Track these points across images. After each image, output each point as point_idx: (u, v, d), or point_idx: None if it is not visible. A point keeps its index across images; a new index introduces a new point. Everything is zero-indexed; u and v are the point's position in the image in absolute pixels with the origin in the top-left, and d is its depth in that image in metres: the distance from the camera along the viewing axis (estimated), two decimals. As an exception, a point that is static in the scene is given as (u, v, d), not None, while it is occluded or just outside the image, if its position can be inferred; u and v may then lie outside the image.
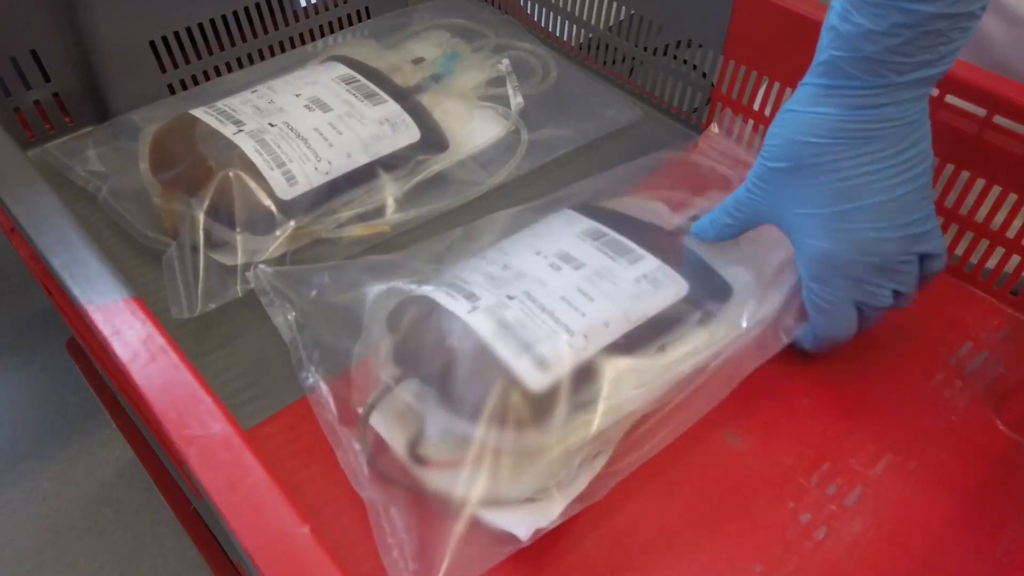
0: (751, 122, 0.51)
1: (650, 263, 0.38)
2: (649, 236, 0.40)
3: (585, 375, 0.33)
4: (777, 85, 0.48)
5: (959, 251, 0.44)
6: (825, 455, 0.37)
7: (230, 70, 0.55)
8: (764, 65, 0.49)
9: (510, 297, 0.35)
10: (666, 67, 0.55)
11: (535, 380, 0.32)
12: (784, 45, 0.47)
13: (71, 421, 0.78)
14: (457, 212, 0.49)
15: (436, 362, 0.33)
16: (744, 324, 0.37)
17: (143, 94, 0.51)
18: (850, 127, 0.34)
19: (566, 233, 0.39)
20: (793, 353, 0.41)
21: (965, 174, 0.42)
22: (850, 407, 0.39)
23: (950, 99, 0.41)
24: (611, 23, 0.58)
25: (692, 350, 0.36)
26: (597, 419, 0.33)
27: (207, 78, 0.54)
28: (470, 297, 0.35)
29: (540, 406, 0.32)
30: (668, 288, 0.37)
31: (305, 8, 0.57)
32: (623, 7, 0.56)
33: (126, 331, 0.28)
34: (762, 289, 0.39)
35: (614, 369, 0.34)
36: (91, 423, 0.79)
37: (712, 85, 0.52)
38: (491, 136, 0.53)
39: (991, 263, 0.43)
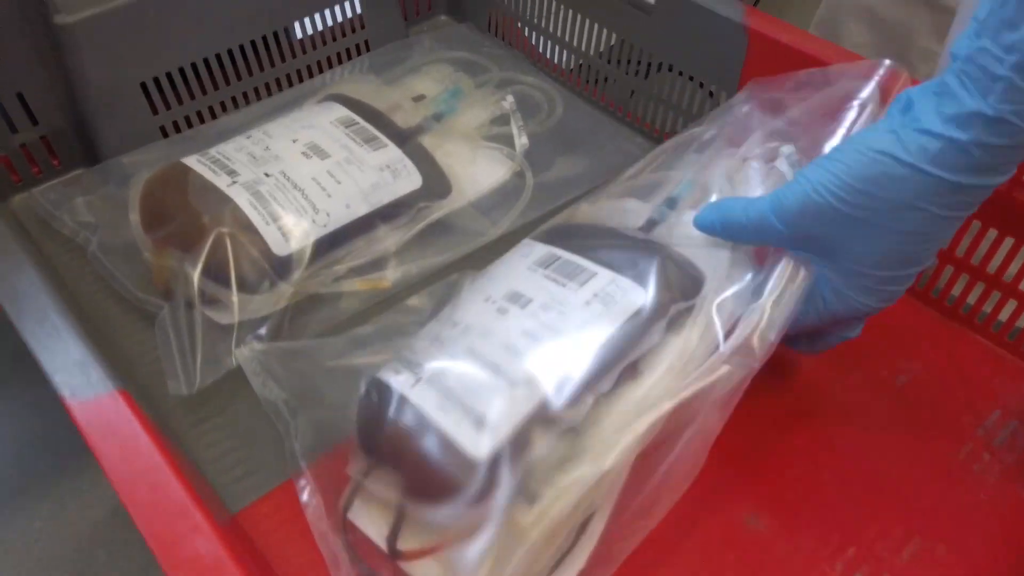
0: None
1: (601, 279, 0.34)
2: (608, 245, 0.36)
3: (539, 429, 0.30)
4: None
5: (987, 308, 0.42)
6: (849, 539, 0.35)
7: (225, 109, 0.53)
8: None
9: (453, 358, 0.32)
10: (676, 106, 0.53)
11: (475, 445, 0.29)
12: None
13: (63, 457, 0.76)
14: (460, 263, 0.47)
15: (393, 446, 0.31)
16: (717, 323, 0.33)
17: (134, 136, 0.49)
18: (967, 195, 0.30)
19: (519, 267, 0.36)
20: (813, 425, 0.39)
21: (993, 232, 0.40)
22: (874, 484, 0.37)
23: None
24: (617, 59, 0.56)
25: (667, 367, 0.33)
26: (572, 478, 0.30)
27: (201, 119, 0.52)
28: (415, 368, 0.32)
29: (492, 474, 0.29)
30: (621, 302, 0.33)
31: (302, 41, 0.55)
32: (631, 46, 0.54)
33: (110, 437, 0.26)
34: (740, 268, 0.35)
35: (576, 415, 0.31)
36: (83, 459, 0.77)
37: (725, 128, 0.50)
38: (495, 179, 0.52)
39: (1021, 322, 0.41)
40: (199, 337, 0.40)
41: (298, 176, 0.44)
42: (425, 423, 0.30)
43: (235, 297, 0.41)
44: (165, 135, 0.51)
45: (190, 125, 0.51)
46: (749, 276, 0.35)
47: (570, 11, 0.57)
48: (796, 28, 0.45)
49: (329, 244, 0.44)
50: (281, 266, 0.42)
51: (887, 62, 0.37)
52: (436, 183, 0.49)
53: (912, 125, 0.30)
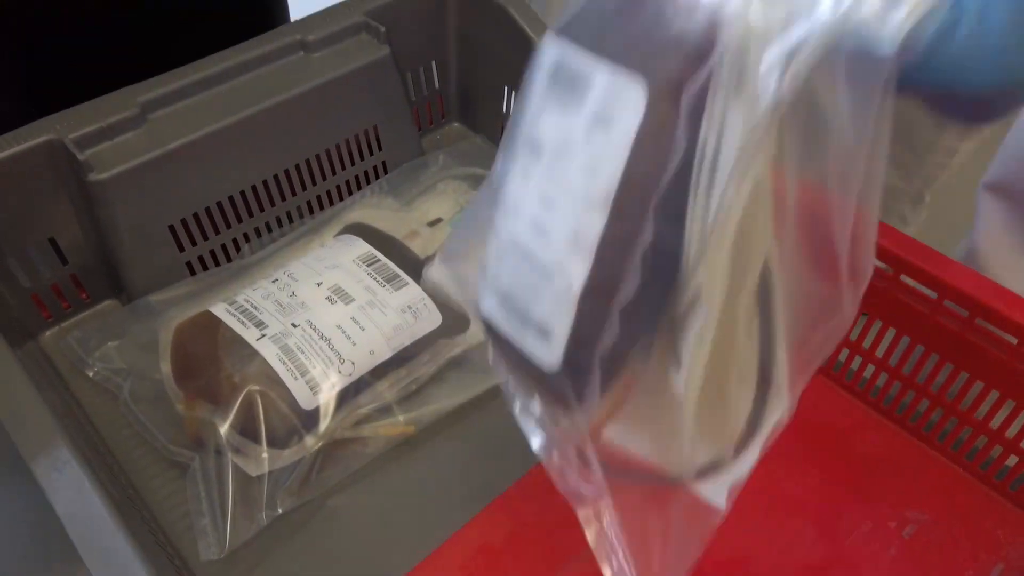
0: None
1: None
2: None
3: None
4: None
5: (994, 454, 0.44)
6: None
7: (248, 240, 0.54)
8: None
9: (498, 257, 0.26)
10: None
11: (548, 352, 0.24)
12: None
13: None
14: (477, 400, 0.48)
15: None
16: None
17: (162, 272, 0.51)
18: None
19: None
20: (825, 582, 0.41)
21: (995, 393, 0.42)
22: (884, 648, 0.38)
23: (981, 322, 0.41)
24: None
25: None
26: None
27: (226, 251, 0.53)
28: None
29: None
30: None
31: (322, 169, 0.56)
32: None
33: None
34: None
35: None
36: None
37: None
38: (511, 307, 0.53)
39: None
40: (230, 494, 0.41)
41: (324, 325, 0.46)
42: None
43: (265, 454, 0.42)
44: (191, 270, 0.52)
45: (215, 259, 0.53)
46: None
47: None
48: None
49: (353, 391, 0.45)
50: (308, 419, 0.44)
51: None
52: (454, 318, 0.50)
53: None
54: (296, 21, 0.56)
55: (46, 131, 0.46)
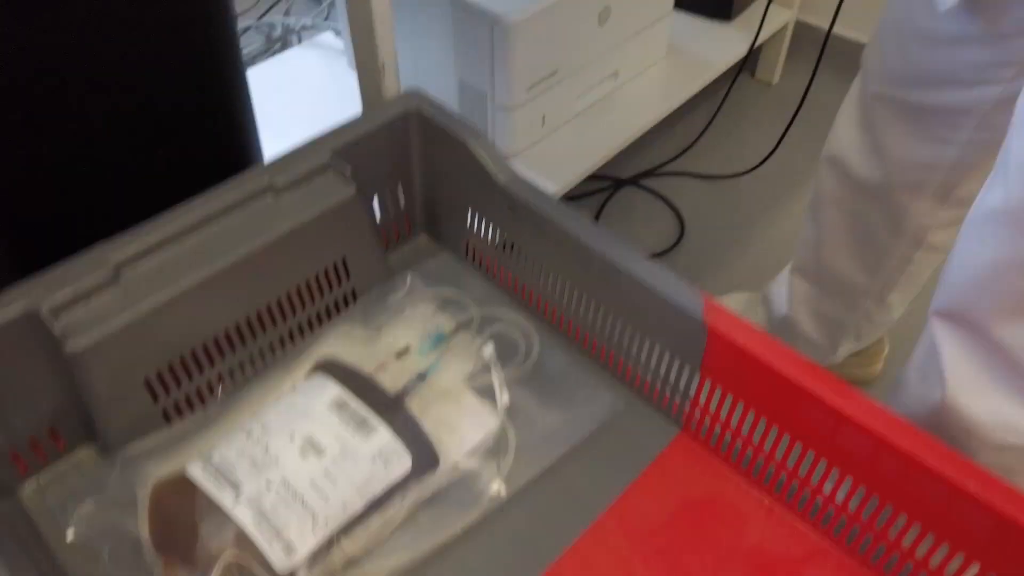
0: (728, 434, 0.53)
1: None
2: None
3: None
4: (753, 412, 0.51)
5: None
6: None
7: (221, 380, 0.56)
8: (738, 391, 0.51)
9: None
10: (644, 366, 0.57)
11: None
12: (755, 381, 0.49)
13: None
14: (450, 543, 0.50)
15: None
16: None
17: (138, 422, 0.52)
18: None
19: None
20: None
21: (931, 536, 0.45)
22: None
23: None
24: (595, 320, 0.60)
25: None
26: None
27: (200, 394, 0.55)
28: None
29: None
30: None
31: (292, 304, 0.58)
32: (601, 306, 0.58)
33: None
34: None
35: None
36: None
37: (690, 396, 0.54)
38: (480, 437, 0.55)
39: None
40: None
41: (297, 481, 0.47)
42: None
43: (243, 621, 0.44)
44: (166, 416, 0.53)
45: (190, 403, 0.54)
46: None
47: (533, 263, 0.61)
48: (755, 330, 0.49)
49: (326, 546, 0.47)
50: (284, 581, 0.45)
51: None
52: (424, 458, 0.52)
53: None
54: (265, 164, 0.58)
55: (22, 298, 0.47)
